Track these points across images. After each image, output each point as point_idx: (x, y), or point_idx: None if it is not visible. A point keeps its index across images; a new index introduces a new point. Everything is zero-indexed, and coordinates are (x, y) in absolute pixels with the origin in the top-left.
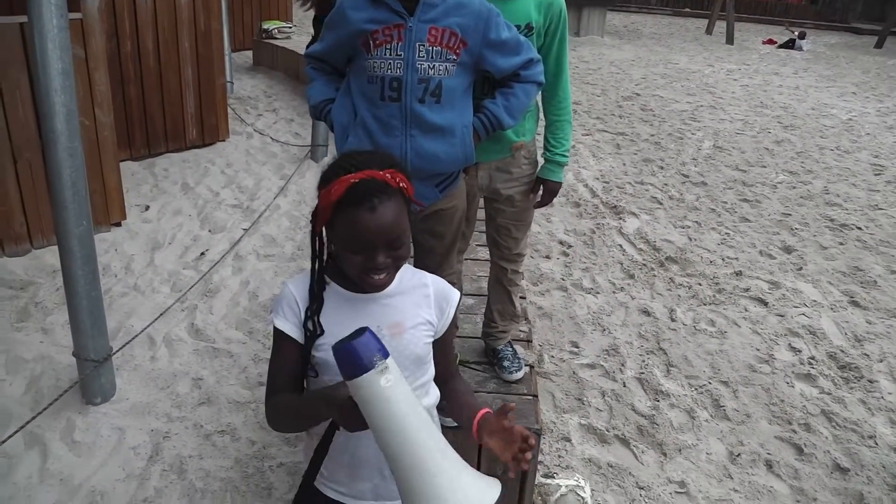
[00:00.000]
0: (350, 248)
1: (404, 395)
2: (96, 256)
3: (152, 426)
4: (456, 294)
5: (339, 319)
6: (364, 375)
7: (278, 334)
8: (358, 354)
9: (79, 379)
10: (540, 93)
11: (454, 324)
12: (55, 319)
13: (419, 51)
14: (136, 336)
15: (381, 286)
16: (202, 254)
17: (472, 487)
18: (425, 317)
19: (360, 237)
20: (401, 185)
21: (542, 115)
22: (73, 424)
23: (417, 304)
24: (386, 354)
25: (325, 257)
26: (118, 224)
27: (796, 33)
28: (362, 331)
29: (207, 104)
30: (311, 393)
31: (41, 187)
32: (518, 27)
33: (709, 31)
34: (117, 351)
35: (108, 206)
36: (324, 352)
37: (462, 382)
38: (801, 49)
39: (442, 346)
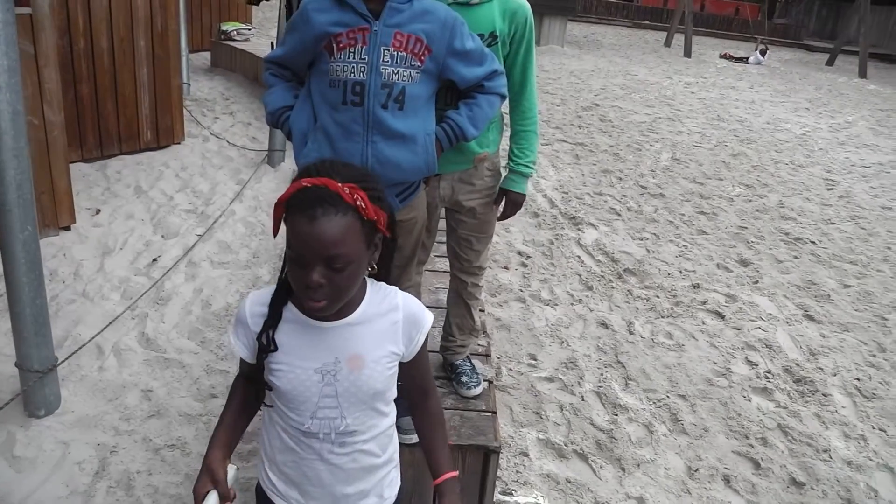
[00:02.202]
0: (290, 258)
1: None
2: (42, 262)
3: (99, 440)
4: (428, 320)
5: (296, 350)
6: None
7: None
8: None
9: (21, 390)
10: (507, 101)
11: (426, 345)
12: None
13: (384, 55)
14: (84, 345)
15: (318, 310)
16: (154, 260)
17: None
18: (390, 349)
19: (296, 247)
20: (357, 202)
21: (507, 126)
22: (14, 438)
23: (383, 335)
24: None
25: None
26: (67, 228)
27: (759, 49)
28: None
29: (163, 105)
30: (216, 436)
31: None
32: (482, 35)
33: (667, 43)
34: (63, 361)
35: (56, 209)
36: (277, 378)
37: (435, 402)
38: (758, 63)
39: (413, 367)
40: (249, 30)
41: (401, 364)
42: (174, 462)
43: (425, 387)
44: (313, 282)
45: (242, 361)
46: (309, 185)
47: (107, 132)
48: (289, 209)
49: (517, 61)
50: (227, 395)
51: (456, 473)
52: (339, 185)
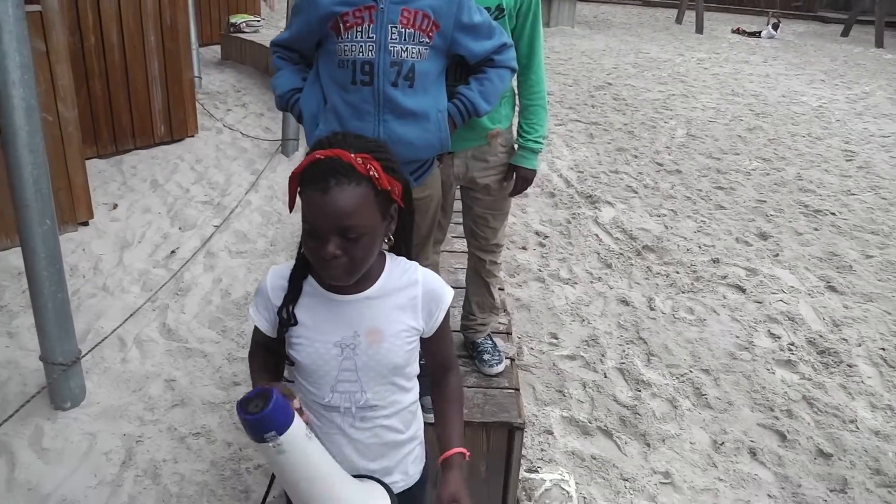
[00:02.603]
0: (306, 231)
1: (297, 459)
2: (62, 256)
3: (124, 430)
4: (448, 295)
5: (315, 323)
6: (260, 445)
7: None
8: (253, 429)
9: (46, 384)
10: (515, 77)
11: (448, 321)
12: (21, 323)
13: (392, 33)
14: (106, 338)
15: (336, 281)
16: (173, 252)
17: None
18: (409, 323)
19: (310, 219)
20: (371, 172)
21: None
22: (42, 431)
23: (402, 309)
24: (283, 430)
25: None
26: (85, 223)
27: (771, 23)
28: (267, 397)
29: (175, 99)
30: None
31: (3, 185)
32: (489, 9)
33: (678, 20)
34: (86, 353)
35: (74, 205)
36: (297, 352)
37: (455, 379)
38: (771, 37)
39: (434, 343)
40: (258, 21)
41: (423, 340)
42: (199, 450)
43: (447, 364)
44: (328, 253)
45: (259, 333)
46: (322, 157)
47: (120, 127)
48: (303, 182)
49: (524, 34)
50: (249, 382)
51: (465, 451)
52: (352, 155)
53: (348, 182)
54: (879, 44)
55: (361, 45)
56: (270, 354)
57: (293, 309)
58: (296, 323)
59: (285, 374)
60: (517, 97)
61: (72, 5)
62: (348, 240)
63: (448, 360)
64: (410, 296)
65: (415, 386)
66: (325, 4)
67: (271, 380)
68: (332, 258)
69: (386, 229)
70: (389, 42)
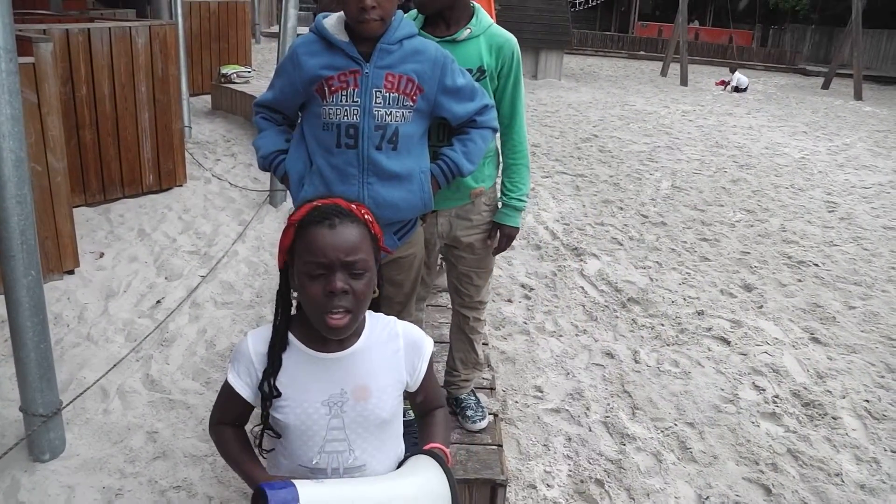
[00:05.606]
0: (308, 272)
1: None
2: (45, 307)
3: (104, 483)
4: (428, 345)
5: (302, 383)
6: None
7: (229, 387)
8: None
9: (26, 435)
10: (498, 136)
11: (431, 368)
12: (2, 372)
13: (376, 97)
14: (88, 388)
15: (340, 328)
16: (158, 302)
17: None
18: (394, 376)
19: (317, 253)
20: (366, 217)
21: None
22: (19, 483)
23: (387, 363)
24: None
25: (290, 310)
26: (71, 272)
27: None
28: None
29: (165, 149)
30: (250, 471)
31: None
32: (470, 71)
33: (663, 73)
34: (68, 404)
35: (60, 254)
36: (284, 414)
37: (444, 412)
38: (743, 87)
39: (421, 392)
40: (249, 72)
41: (411, 393)
42: (180, 503)
43: (435, 404)
44: (338, 287)
45: (233, 404)
46: (321, 203)
47: (109, 176)
48: (303, 226)
49: (506, 95)
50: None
51: (446, 450)
52: (347, 203)
53: (350, 221)
54: (858, 96)
55: (346, 109)
56: (238, 431)
57: (274, 382)
58: (279, 395)
59: (264, 443)
60: (500, 156)
61: (65, 56)
62: (352, 275)
63: (436, 400)
64: (394, 349)
65: (400, 444)
66: (310, 67)
67: (256, 461)
68: (340, 293)
69: (375, 278)
70: (374, 106)
